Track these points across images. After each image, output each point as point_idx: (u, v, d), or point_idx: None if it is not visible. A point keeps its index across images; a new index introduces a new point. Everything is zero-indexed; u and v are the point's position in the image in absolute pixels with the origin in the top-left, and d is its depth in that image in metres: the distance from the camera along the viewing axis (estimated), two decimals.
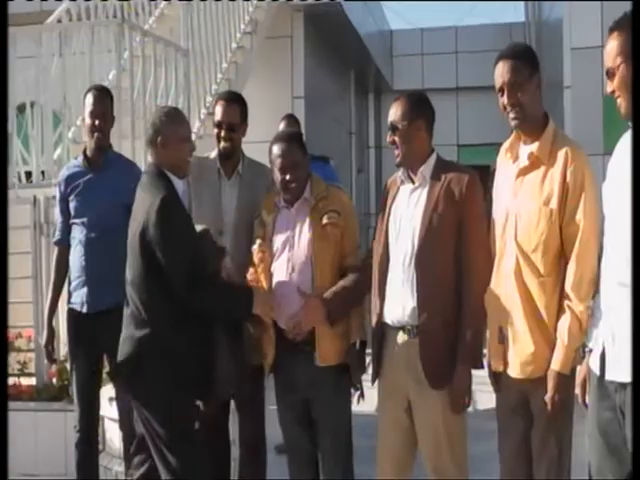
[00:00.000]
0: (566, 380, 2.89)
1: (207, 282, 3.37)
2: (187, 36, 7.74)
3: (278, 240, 3.61)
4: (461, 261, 3.20)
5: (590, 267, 2.86)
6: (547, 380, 2.92)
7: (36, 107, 6.64)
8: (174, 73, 7.32)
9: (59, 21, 7.43)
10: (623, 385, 2.39)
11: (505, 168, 3.19)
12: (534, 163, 3.04)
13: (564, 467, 3.03)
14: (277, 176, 3.58)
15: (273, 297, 3.52)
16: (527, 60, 3.07)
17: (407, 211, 3.31)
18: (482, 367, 3.22)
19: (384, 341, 3.35)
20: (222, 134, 4.00)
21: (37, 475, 5.11)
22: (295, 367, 3.55)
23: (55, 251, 4.46)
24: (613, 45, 2.46)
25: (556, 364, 2.91)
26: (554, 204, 2.96)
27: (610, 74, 2.48)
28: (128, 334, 3.39)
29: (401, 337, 3.28)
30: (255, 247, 3.63)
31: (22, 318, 5.58)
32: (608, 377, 2.47)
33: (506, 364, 3.07)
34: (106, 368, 4.36)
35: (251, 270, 3.64)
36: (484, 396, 3.58)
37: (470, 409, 3.29)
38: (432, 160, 3.34)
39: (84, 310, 4.22)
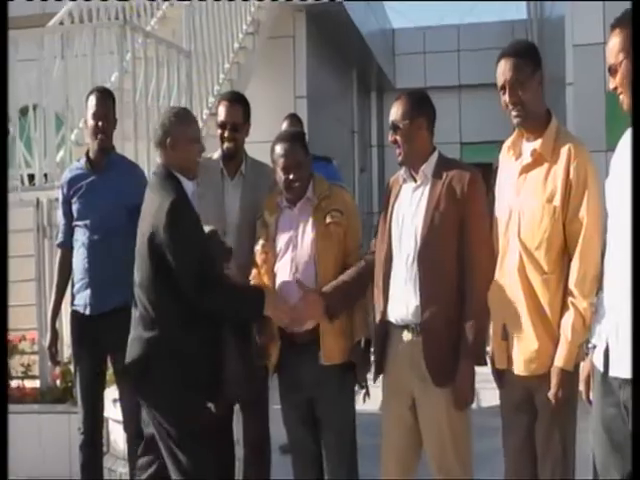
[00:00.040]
0: (570, 376, 2.89)
1: (217, 283, 3.37)
2: (189, 37, 7.76)
3: (281, 240, 3.60)
4: (463, 258, 3.20)
5: (593, 264, 2.85)
6: (551, 377, 2.92)
7: (38, 110, 6.65)
8: (176, 74, 7.33)
9: (61, 23, 7.46)
10: (627, 381, 2.39)
11: (508, 165, 3.18)
12: (537, 160, 3.04)
13: (568, 464, 3.03)
14: (280, 176, 3.58)
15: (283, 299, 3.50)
16: (529, 57, 3.07)
17: (409, 210, 3.31)
18: (485, 364, 3.22)
19: (388, 340, 3.35)
20: (225, 134, 4.01)
21: (41, 477, 5.10)
22: (299, 366, 3.55)
23: (58, 253, 4.46)
24: (615, 42, 2.47)
25: (559, 360, 2.91)
26: (557, 201, 2.96)
27: (612, 70, 2.48)
28: (136, 335, 3.38)
29: (405, 336, 3.28)
30: (258, 248, 3.63)
31: (25, 321, 5.58)
32: (612, 373, 2.47)
33: (510, 361, 3.07)
34: (110, 370, 4.37)
35: (254, 272, 3.64)
36: (488, 393, 3.58)
37: (474, 406, 3.30)
38: (434, 158, 3.33)
39: (87, 312, 4.22)
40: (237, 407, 4.03)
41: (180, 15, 8.03)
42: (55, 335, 4.41)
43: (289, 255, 3.57)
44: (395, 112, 3.32)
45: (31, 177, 6.78)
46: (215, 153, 4.11)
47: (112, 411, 4.71)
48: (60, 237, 4.42)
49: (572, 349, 2.89)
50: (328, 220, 3.55)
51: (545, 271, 2.98)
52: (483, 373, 3.23)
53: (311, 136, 6.44)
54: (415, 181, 3.34)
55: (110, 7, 8.33)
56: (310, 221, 3.57)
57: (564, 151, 2.98)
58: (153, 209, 3.34)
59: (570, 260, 2.94)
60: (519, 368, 3.03)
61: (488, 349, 3.21)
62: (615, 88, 2.48)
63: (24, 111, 6.74)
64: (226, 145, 4.01)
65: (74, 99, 6.55)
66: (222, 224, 3.87)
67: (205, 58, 8.02)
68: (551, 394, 2.91)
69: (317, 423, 3.60)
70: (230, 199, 4.00)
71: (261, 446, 4.00)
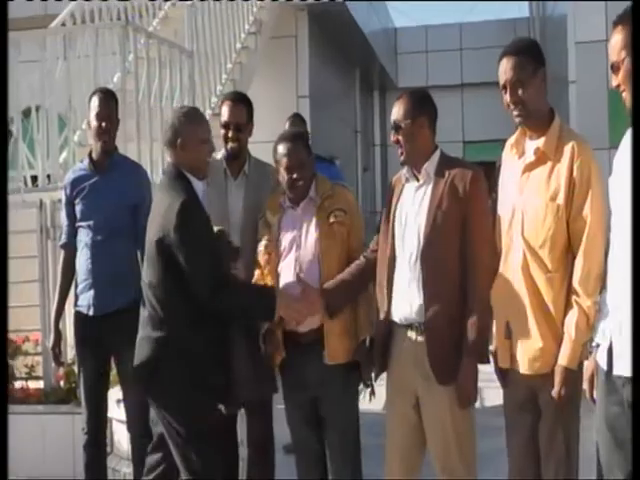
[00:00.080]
0: (573, 375, 2.89)
1: (229, 284, 3.36)
2: (191, 37, 7.75)
3: (285, 240, 3.60)
4: (466, 257, 3.20)
5: (597, 262, 2.85)
6: (554, 375, 2.91)
7: (41, 111, 6.64)
8: (179, 75, 7.32)
9: (63, 24, 7.45)
10: (631, 380, 2.38)
11: (511, 164, 3.18)
12: (540, 158, 3.03)
13: (572, 463, 3.02)
14: (283, 176, 3.58)
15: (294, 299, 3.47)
16: (531, 55, 3.06)
17: (412, 209, 3.31)
18: (488, 362, 3.21)
19: (391, 339, 3.35)
20: (229, 134, 4.02)
21: (45, 478, 5.11)
22: (303, 366, 3.55)
23: (61, 254, 4.46)
24: (617, 39, 2.46)
25: (563, 359, 2.90)
26: (561, 200, 2.95)
27: (615, 68, 2.48)
28: (145, 335, 3.38)
29: (409, 335, 3.27)
30: (261, 249, 3.63)
31: (29, 322, 5.58)
32: (616, 372, 2.46)
33: (513, 360, 3.06)
34: (113, 370, 4.37)
35: (257, 272, 3.63)
36: (491, 392, 3.57)
37: (477, 405, 3.29)
38: (436, 157, 3.33)
39: (91, 313, 4.22)
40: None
41: (182, 15, 8.02)
42: (59, 336, 4.41)
43: (293, 255, 3.56)
44: (396, 112, 3.32)
45: (34, 178, 6.77)
46: (218, 153, 4.10)
47: (116, 411, 4.71)
48: (63, 238, 4.41)
49: (576, 348, 2.89)
50: (331, 220, 3.55)
51: (549, 269, 2.97)
52: (486, 372, 3.22)
53: (314, 136, 6.45)
54: (417, 180, 3.34)
55: (112, 8, 8.32)
56: (313, 221, 3.57)
57: (567, 149, 2.97)
58: (163, 209, 3.32)
59: (574, 258, 2.94)
60: (523, 367, 3.03)
61: (491, 348, 3.21)
62: (618, 85, 2.48)
63: (27, 112, 6.73)
64: (230, 145, 4.02)
65: (77, 100, 6.55)
66: (225, 224, 3.87)
67: (207, 58, 8.02)
68: (555, 392, 2.90)
69: (321, 423, 3.60)
70: (233, 199, 4.00)
71: (265, 446, 3.99)
